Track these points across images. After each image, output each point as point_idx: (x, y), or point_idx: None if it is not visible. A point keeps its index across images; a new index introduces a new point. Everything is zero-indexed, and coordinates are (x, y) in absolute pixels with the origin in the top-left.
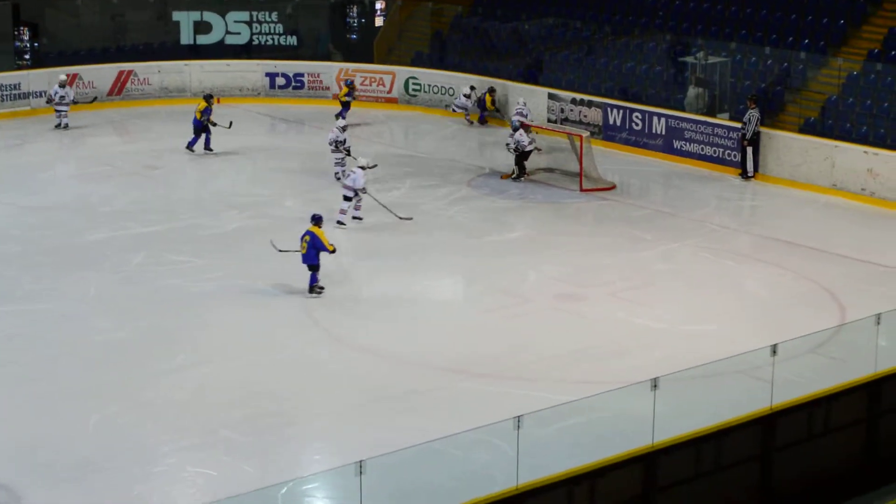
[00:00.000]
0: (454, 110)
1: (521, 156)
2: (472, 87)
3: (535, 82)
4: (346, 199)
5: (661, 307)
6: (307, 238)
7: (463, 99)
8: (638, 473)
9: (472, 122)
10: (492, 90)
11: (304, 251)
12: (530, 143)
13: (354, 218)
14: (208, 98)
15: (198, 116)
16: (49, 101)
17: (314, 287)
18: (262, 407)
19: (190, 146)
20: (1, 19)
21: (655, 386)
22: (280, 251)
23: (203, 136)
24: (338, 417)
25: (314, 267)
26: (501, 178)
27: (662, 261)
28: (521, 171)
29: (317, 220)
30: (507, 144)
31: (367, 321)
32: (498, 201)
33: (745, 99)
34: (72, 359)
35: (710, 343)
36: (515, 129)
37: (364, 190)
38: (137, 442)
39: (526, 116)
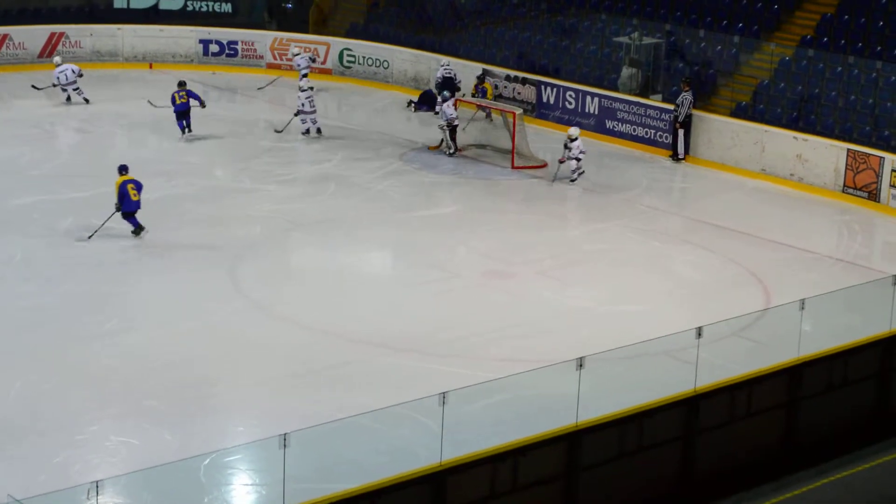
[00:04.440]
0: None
1: (452, 130)
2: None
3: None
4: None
5: (589, 286)
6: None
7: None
8: (561, 452)
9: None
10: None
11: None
12: (457, 116)
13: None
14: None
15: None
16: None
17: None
18: (186, 377)
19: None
20: None
21: (581, 365)
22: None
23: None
24: (261, 389)
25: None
26: (429, 148)
27: (591, 240)
28: (454, 145)
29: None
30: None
31: (294, 292)
32: (430, 176)
33: (679, 81)
34: None
35: (636, 324)
36: (444, 100)
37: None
38: (61, 409)
39: (454, 77)
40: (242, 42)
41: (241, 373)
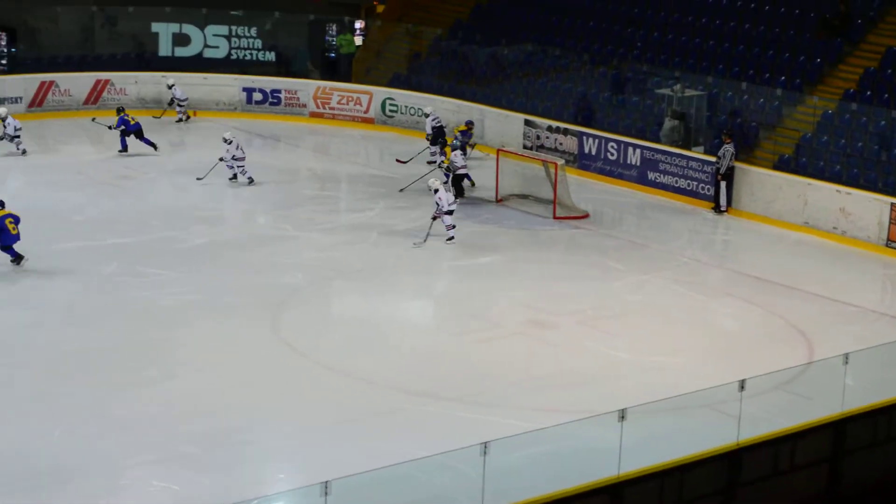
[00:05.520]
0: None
1: (457, 178)
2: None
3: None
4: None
5: (630, 338)
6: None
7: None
8: None
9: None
10: (469, 123)
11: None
12: (463, 166)
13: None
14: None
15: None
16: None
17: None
18: (227, 423)
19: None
20: None
21: (623, 417)
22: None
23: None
24: (302, 436)
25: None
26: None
27: (633, 291)
28: (457, 192)
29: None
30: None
31: (335, 340)
32: (471, 226)
33: (721, 133)
34: (38, 368)
35: (678, 376)
36: (454, 150)
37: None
38: (102, 454)
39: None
40: (286, 91)
41: (281, 420)
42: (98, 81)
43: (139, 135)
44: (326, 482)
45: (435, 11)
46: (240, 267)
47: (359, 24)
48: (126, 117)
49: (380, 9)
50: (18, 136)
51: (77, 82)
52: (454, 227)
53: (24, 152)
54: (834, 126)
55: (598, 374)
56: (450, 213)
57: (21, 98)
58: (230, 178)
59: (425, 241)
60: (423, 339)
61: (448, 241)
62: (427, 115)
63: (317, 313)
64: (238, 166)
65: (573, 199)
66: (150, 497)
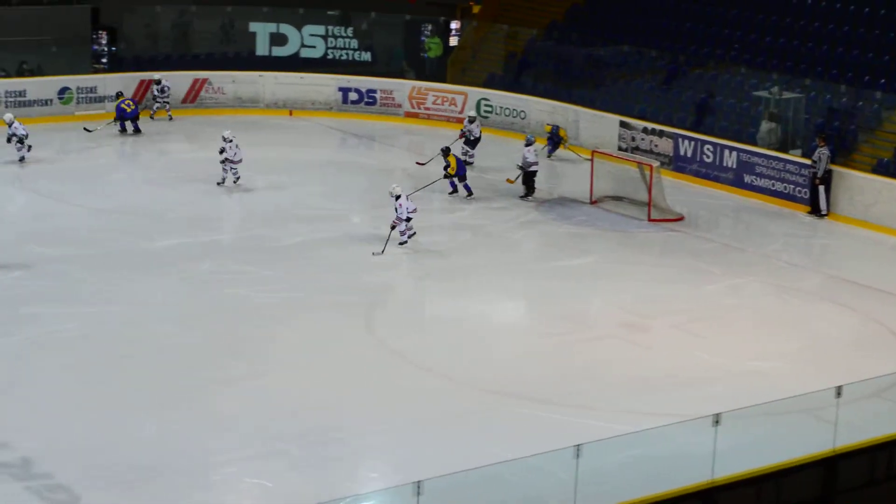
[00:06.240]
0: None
1: (528, 175)
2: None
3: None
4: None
5: (725, 342)
6: None
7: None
8: None
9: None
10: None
11: None
12: (534, 163)
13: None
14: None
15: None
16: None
17: None
18: (320, 420)
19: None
20: (80, 23)
21: (717, 422)
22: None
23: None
24: (394, 435)
25: None
26: (507, 181)
27: (728, 295)
28: (528, 190)
29: None
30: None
31: (428, 340)
32: (565, 227)
33: (816, 137)
34: (134, 363)
35: (773, 381)
36: (528, 144)
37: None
38: (196, 449)
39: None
40: (381, 90)
41: (374, 419)
42: (196, 80)
43: (134, 119)
44: (419, 482)
45: (530, 12)
46: (334, 265)
47: (454, 25)
48: (123, 104)
49: (475, 9)
50: (22, 143)
51: (175, 81)
52: (413, 232)
53: (22, 159)
54: None
55: (691, 377)
56: (408, 220)
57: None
58: (218, 183)
59: (383, 251)
60: (515, 339)
61: (401, 245)
62: (471, 121)
63: (410, 313)
64: (232, 169)
65: (668, 201)
66: (242, 493)
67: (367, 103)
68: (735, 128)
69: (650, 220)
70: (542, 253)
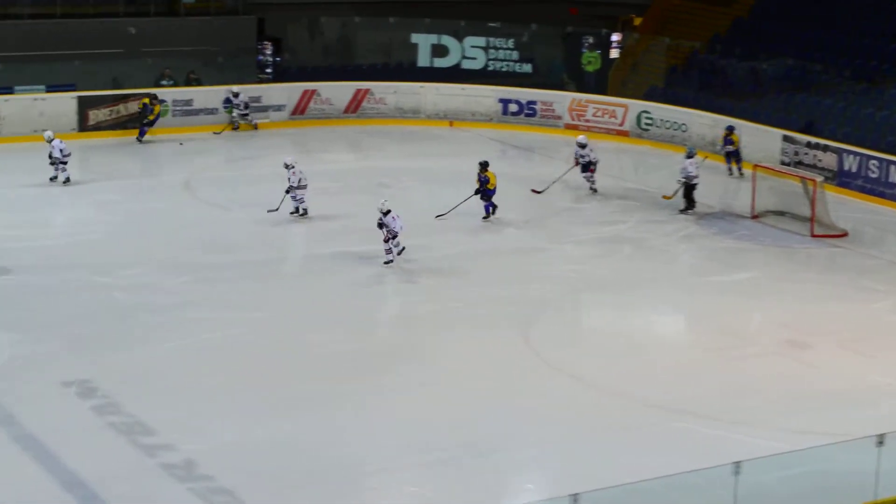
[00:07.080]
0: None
1: (689, 188)
2: None
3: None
4: None
5: (890, 361)
6: None
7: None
8: None
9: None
10: (730, 129)
11: None
12: (695, 176)
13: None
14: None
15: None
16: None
17: None
18: (479, 431)
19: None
20: (246, 33)
21: (881, 442)
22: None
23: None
24: (550, 447)
25: None
26: (663, 197)
27: (894, 313)
28: (689, 203)
29: None
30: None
31: (586, 352)
32: (726, 241)
33: None
34: (296, 368)
35: None
36: (689, 156)
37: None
38: (355, 455)
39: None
40: (541, 102)
41: (530, 431)
42: (358, 91)
43: (150, 124)
44: (575, 494)
45: (693, 25)
46: (493, 277)
47: (615, 37)
48: (150, 109)
49: (637, 21)
50: (66, 162)
51: (338, 91)
52: (399, 248)
53: (67, 180)
54: None
55: (855, 397)
56: (394, 235)
57: (284, 106)
58: (291, 213)
59: (393, 261)
60: (676, 354)
61: (386, 264)
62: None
63: (569, 326)
64: (298, 197)
65: (832, 217)
66: (401, 500)
67: (527, 115)
68: None
69: (813, 235)
70: (703, 267)
